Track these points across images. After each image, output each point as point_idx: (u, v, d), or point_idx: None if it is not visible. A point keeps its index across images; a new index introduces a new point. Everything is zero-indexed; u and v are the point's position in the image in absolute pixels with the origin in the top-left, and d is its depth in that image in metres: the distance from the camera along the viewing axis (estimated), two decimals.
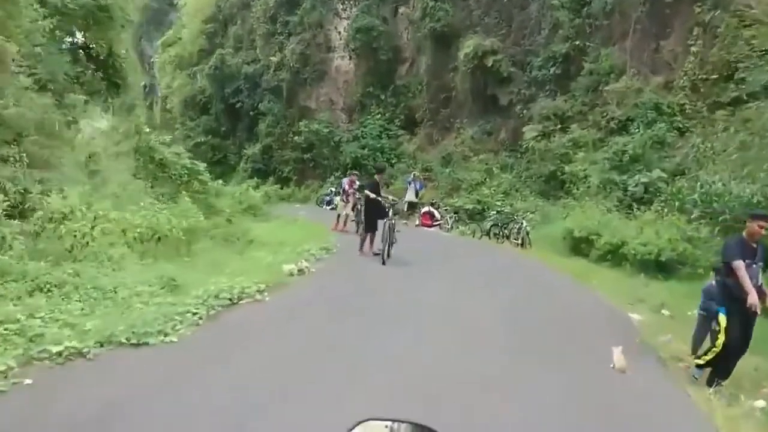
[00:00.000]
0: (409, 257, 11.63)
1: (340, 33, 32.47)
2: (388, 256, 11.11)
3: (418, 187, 20.79)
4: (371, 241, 11.82)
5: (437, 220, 19.83)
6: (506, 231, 16.75)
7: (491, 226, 17.58)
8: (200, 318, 6.27)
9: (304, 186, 31.96)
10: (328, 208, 25.02)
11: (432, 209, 20.24)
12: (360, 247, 12.09)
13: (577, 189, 17.62)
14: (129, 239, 8.57)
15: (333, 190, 25.22)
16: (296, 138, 31.83)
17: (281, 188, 31.64)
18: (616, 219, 14.17)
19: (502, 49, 24.05)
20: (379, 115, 30.30)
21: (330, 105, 33.37)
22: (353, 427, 1.53)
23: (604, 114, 19.16)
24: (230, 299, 7.08)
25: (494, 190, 21.42)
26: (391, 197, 12.44)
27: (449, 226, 19.26)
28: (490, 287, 10.14)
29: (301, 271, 9.39)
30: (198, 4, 42.32)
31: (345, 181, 17.22)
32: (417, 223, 19.88)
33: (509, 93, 24.17)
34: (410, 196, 20.60)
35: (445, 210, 20.55)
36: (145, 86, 64.47)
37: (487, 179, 22.55)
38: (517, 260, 14.03)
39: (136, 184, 13.68)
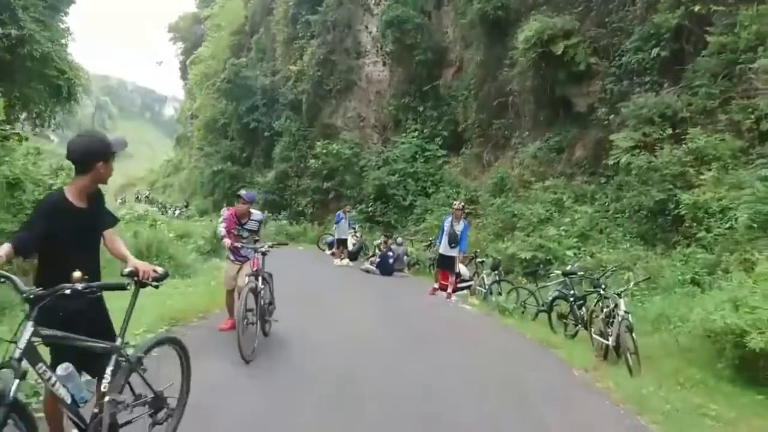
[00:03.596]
0: None
1: (371, 33, 26.17)
2: None
3: (462, 228, 11.46)
4: None
5: (465, 281, 12.04)
6: (583, 311, 8.73)
7: (553, 299, 9.51)
8: None
9: (321, 222, 25.20)
10: (329, 252, 18.52)
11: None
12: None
13: (708, 231, 10.18)
14: None
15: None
16: (313, 162, 25.46)
17: (291, 224, 25.04)
18: None
19: (577, 31, 16.83)
20: (417, 132, 23.50)
21: (359, 122, 26.91)
22: None
23: (749, 110, 11.53)
24: None
25: (565, 231, 14.03)
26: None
27: (486, 291, 11.35)
28: None
29: None
30: (227, 15, 37.61)
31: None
32: (435, 286, 11.83)
33: (588, 93, 16.91)
34: (444, 246, 11.43)
35: (481, 262, 12.89)
36: (191, 114, 61.38)
37: (555, 214, 15.21)
38: None
39: None
